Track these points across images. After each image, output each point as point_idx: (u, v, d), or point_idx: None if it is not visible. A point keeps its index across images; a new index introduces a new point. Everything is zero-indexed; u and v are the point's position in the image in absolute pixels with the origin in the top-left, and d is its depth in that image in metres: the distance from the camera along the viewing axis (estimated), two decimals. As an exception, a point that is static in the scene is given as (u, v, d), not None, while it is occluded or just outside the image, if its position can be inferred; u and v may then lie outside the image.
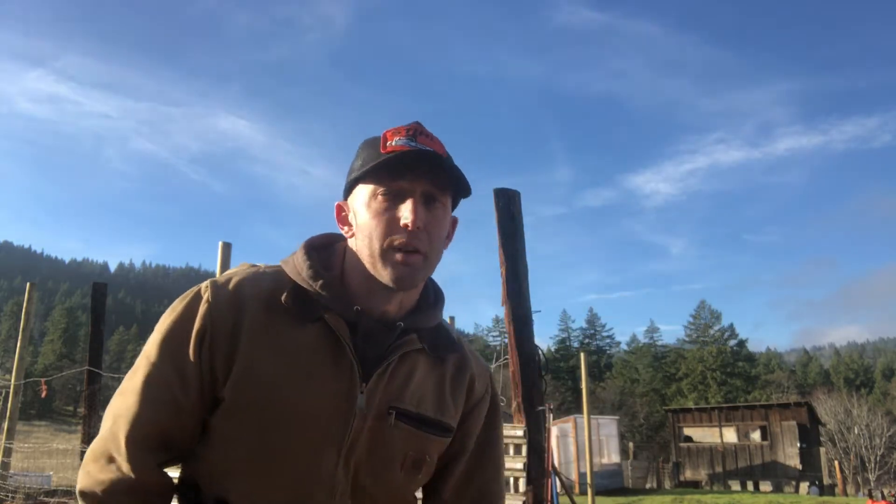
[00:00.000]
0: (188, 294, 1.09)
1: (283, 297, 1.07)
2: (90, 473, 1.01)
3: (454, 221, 1.20)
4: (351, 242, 1.14)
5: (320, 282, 1.09)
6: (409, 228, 1.05)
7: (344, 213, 1.16)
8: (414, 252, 1.06)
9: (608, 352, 76.03)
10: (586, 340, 75.24)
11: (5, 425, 8.39)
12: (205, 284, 1.10)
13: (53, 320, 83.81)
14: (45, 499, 9.20)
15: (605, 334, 77.30)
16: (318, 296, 1.08)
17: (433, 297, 1.22)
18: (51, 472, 13.17)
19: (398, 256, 1.06)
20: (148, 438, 1.01)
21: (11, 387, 8.26)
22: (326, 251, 1.18)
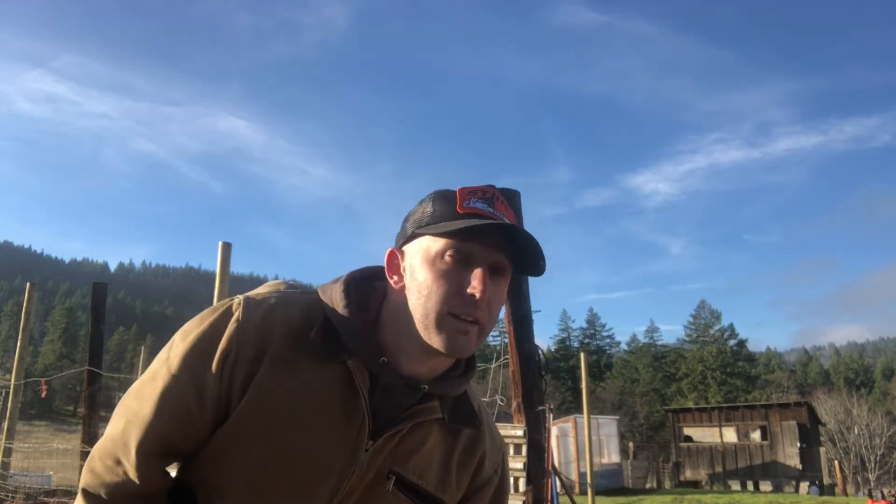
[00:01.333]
0: (219, 307, 1.05)
1: (312, 332, 1.03)
2: (96, 472, 1.01)
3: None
4: (396, 293, 1.07)
5: (354, 323, 1.04)
6: (477, 298, 0.99)
7: (396, 262, 1.08)
8: (473, 323, 1.01)
9: (608, 352, 75.99)
10: (586, 340, 75.23)
11: (5, 425, 8.39)
12: (237, 301, 1.05)
13: (53, 320, 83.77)
14: (45, 499, 9.20)
15: (605, 334, 77.34)
16: (347, 337, 1.03)
17: (465, 365, 1.15)
18: (51, 472, 13.17)
19: (456, 323, 1.00)
20: (156, 448, 1.01)
21: (11, 387, 8.25)
22: (366, 287, 1.12)
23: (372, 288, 1.12)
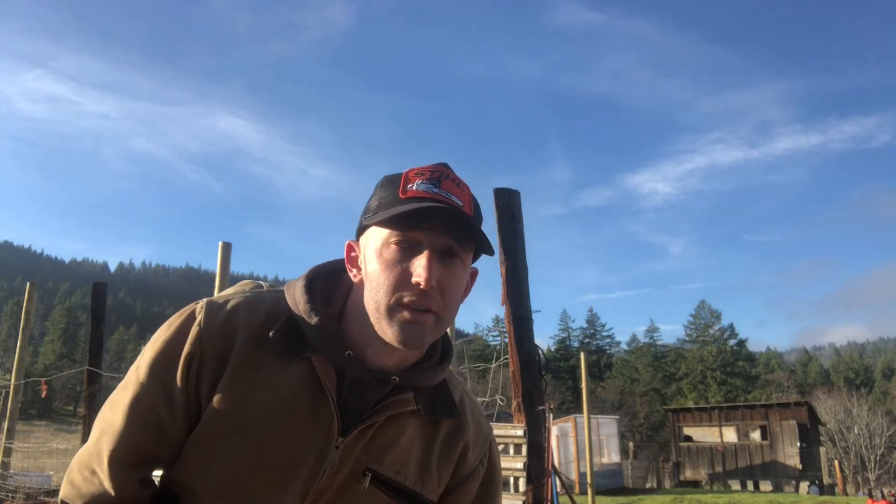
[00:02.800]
0: (183, 313, 1.05)
1: (272, 332, 1.01)
2: (74, 484, 1.01)
3: (474, 273, 1.09)
4: (357, 286, 1.05)
5: (315, 319, 1.02)
6: (422, 287, 0.95)
7: (354, 254, 1.07)
8: (425, 311, 0.97)
9: (608, 351, 75.96)
10: (586, 340, 75.20)
11: (5, 425, 8.39)
12: (200, 304, 1.05)
13: (53, 320, 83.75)
14: (45, 498, 9.19)
15: (605, 334, 77.29)
16: (310, 334, 1.01)
17: (440, 353, 1.12)
18: (51, 472, 13.17)
19: (406, 314, 0.97)
20: (129, 457, 1.00)
21: (11, 387, 8.25)
22: (332, 282, 1.11)
23: (338, 281, 1.10)
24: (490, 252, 1.04)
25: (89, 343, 7.57)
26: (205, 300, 1.07)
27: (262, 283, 1.19)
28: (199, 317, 1.02)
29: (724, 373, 59.53)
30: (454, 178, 1.03)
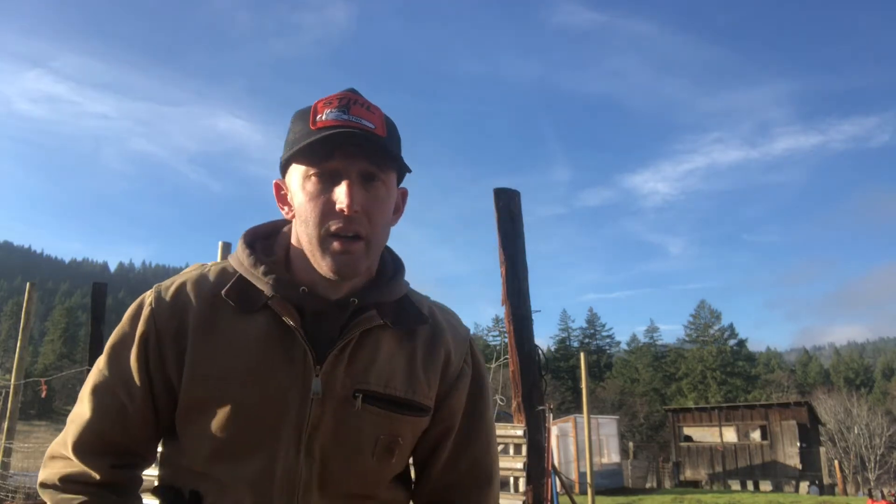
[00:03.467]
0: (135, 302, 1.08)
1: (223, 291, 1.04)
2: (48, 468, 1.06)
3: (403, 193, 1.13)
4: (292, 225, 1.08)
5: (262, 268, 1.05)
6: (346, 213, 0.98)
7: (283, 192, 1.10)
8: (354, 238, 1.00)
9: (608, 351, 75.96)
10: (586, 340, 75.19)
11: (5, 425, 8.40)
12: (150, 291, 1.08)
13: (53, 320, 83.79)
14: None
15: (605, 334, 77.28)
16: (261, 283, 1.04)
17: (392, 268, 1.15)
18: (51, 472, 13.15)
19: (336, 244, 1.00)
20: (94, 443, 1.03)
21: (11, 387, 8.26)
22: (270, 239, 1.13)
23: (277, 236, 1.14)
24: (408, 169, 1.06)
25: (89, 343, 7.56)
26: (155, 286, 1.10)
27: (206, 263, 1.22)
28: (149, 299, 1.06)
29: (724, 373, 59.53)
30: (363, 103, 1.04)
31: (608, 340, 77.23)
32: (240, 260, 1.08)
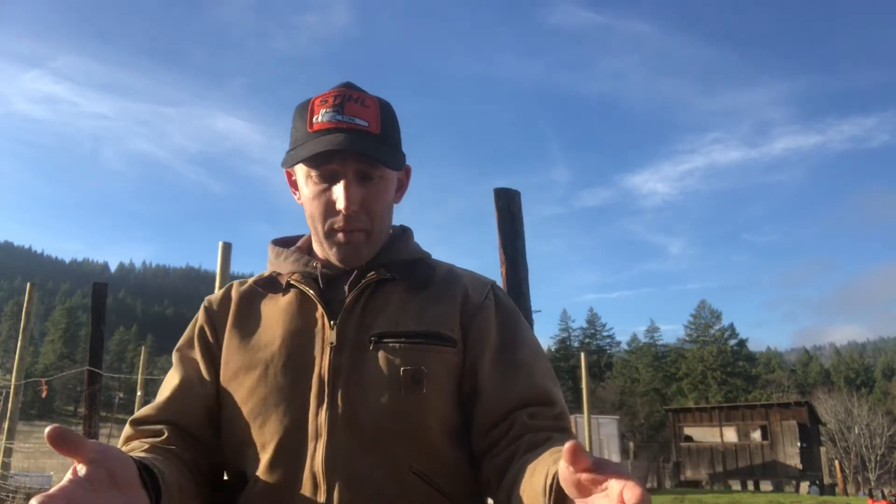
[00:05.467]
0: None
1: (255, 282, 1.19)
2: (136, 412, 1.15)
3: (407, 170, 1.19)
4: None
5: (283, 255, 1.17)
6: (344, 213, 1.06)
7: (294, 179, 1.17)
8: (356, 231, 1.09)
9: (608, 352, 75.98)
10: (586, 340, 75.20)
11: (6, 425, 8.40)
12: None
13: (53, 320, 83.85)
14: (46, 499, 9.18)
15: (605, 334, 77.32)
16: (284, 267, 1.16)
17: (399, 231, 1.22)
18: (51, 473, 13.18)
19: (340, 236, 1.09)
20: (177, 409, 1.12)
21: (12, 387, 8.26)
22: (294, 241, 1.25)
23: (299, 239, 1.26)
24: (404, 157, 1.14)
25: (90, 343, 7.56)
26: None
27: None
28: (203, 304, 1.22)
29: (725, 373, 59.53)
30: (357, 97, 1.08)
31: (608, 340, 77.31)
32: (269, 261, 1.21)
